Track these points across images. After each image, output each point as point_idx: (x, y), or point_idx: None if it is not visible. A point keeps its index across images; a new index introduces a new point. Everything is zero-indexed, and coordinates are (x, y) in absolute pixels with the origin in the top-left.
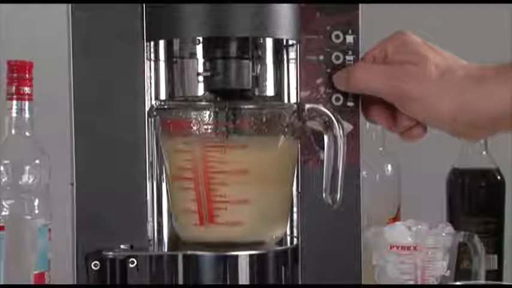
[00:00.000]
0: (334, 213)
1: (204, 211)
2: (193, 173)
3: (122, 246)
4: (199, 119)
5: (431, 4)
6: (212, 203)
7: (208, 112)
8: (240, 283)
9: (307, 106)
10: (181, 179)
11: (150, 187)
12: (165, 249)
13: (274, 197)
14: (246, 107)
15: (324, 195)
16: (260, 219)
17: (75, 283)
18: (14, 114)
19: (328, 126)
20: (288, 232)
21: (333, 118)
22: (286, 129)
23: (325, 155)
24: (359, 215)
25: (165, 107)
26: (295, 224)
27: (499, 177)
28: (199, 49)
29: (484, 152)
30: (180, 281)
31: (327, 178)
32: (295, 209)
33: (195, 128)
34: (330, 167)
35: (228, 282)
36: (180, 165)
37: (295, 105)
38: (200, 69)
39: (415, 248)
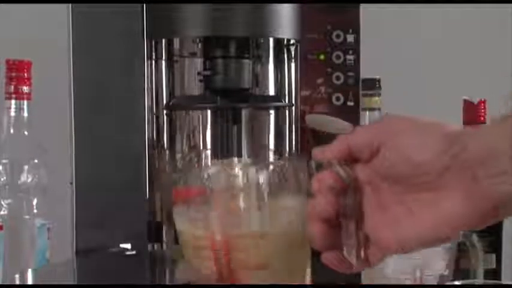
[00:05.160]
0: None
1: (223, 273)
2: (210, 241)
3: (121, 245)
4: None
5: (431, 4)
6: (231, 270)
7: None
8: None
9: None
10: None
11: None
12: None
13: (294, 259)
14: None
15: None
16: (280, 281)
17: (75, 281)
18: (12, 114)
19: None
20: None
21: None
22: (301, 187)
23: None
24: None
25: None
26: None
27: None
28: (199, 48)
29: None
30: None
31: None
32: None
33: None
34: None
35: None
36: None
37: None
38: (200, 68)
39: None
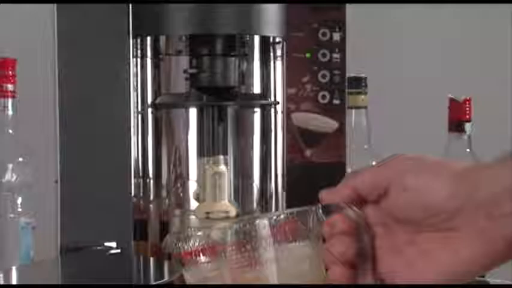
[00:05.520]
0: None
1: None
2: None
3: (106, 244)
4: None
5: (417, 3)
6: None
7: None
8: None
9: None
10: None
11: (135, 185)
12: None
13: None
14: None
15: None
16: None
17: (59, 280)
18: None
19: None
20: None
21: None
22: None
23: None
24: None
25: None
26: None
27: None
28: (186, 46)
29: (467, 150)
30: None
31: None
32: (280, 205)
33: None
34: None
35: None
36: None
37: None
38: (186, 66)
39: None
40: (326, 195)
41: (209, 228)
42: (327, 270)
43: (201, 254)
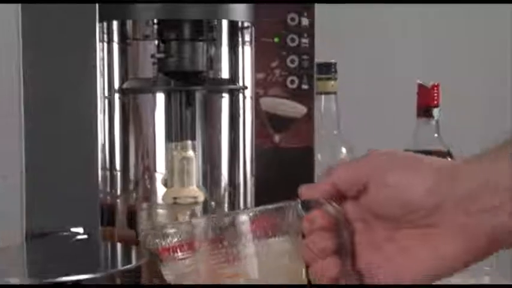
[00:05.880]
0: (286, 193)
1: None
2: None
3: (72, 229)
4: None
5: None
6: None
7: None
8: None
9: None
10: None
11: (102, 170)
12: None
13: None
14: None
15: None
16: None
17: (25, 267)
18: None
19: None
20: None
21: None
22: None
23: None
24: None
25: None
26: (249, 204)
27: (449, 159)
28: (153, 31)
29: (435, 135)
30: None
31: None
32: (249, 190)
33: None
34: None
35: None
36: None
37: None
38: (154, 51)
39: None
40: (305, 191)
41: (187, 223)
42: (307, 266)
43: (178, 250)
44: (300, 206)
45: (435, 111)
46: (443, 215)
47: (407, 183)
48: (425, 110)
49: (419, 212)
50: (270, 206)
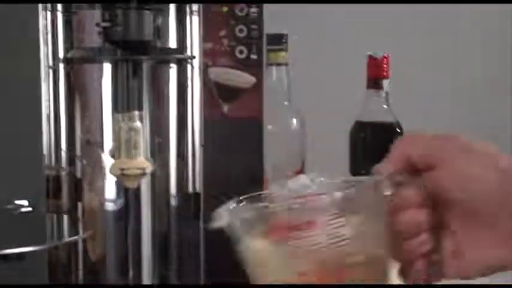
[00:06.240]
0: (237, 165)
1: None
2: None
3: (16, 202)
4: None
5: None
6: None
7: None
8: None
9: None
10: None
11: (47, 141)
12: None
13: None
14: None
15: None
16: None
17: None
18: None
19: None
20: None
21: None
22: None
23: None
24: (262, 168)
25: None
26: (197, 175)
27: (398, 130)
28: None
29: (385, 106)
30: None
31: None
32: (197, 161)
33: None
34: None
35: None
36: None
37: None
38: (99, 20)
39: None
40: (381, 166)
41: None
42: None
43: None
44: (382, 183)
45: (385, 83)
46: (503, 217)
47: (476, 176)
48: (375, 81)
49: (480, 203)
50: (355, 179)
